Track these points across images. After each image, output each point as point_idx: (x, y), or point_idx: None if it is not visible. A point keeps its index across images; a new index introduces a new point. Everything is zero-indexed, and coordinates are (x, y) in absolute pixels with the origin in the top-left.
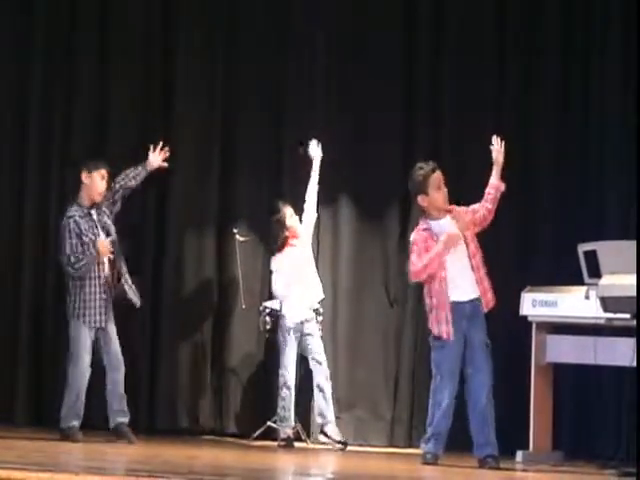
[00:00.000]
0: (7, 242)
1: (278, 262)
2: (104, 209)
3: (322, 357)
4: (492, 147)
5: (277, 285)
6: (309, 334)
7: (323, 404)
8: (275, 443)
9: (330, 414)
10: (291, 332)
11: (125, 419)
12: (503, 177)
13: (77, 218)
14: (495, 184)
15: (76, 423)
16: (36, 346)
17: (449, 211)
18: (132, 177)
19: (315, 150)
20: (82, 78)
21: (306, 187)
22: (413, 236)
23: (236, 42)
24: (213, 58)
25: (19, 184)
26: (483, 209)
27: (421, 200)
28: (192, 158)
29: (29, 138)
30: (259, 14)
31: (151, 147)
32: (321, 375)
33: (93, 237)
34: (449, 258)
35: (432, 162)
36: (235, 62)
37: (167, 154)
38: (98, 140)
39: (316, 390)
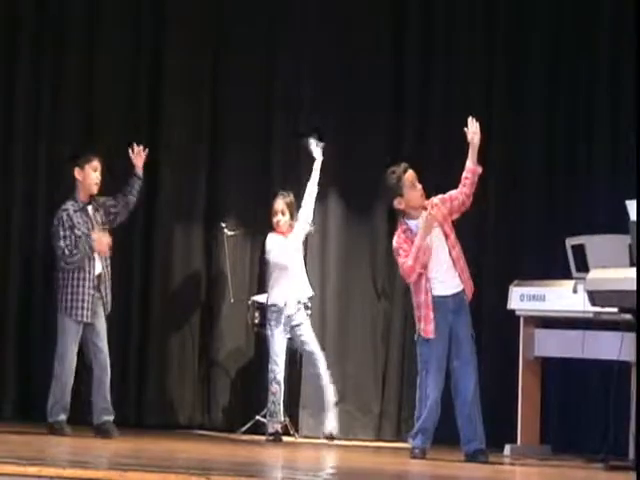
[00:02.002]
0: None
1: (270, 241)
2: (101, 211)
3: (316, 346)
4: (466, 129)
5: (277, 259)
6: (299, 324)
7: (325, 391)
8: (263, 437)
9: (332, 406)
10: (280, 325)
11: (110, 417)
12: (480, 160)
13: (70, 212)
14: (472, 168)
15: (64, 417)
16: (23, 340)
17: (424, 207)
18: (129, 192)
19: (315, 149)
20: (69, 76)
21: (296, 182)
22: (395, 241)
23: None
24: (202, 57)
25: (6, 183)
26: (462, 195)
27: (398, 203)
28: (180, 152)
29: (15, 137)
30: (250, 12)
31: (129, 150)
32: (319, 365)
33: (86, 231)
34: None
35: (403, 163)
36: (224, 60)
37: (145, 154)
38: (86, 134)
39: (316, 379)
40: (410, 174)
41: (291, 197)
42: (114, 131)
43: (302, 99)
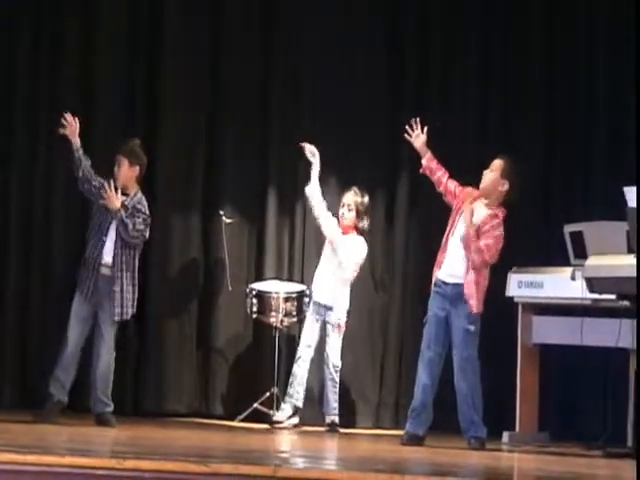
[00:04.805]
0: None
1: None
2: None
3: (336, 359)
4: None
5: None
6: (329, 324)
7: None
8: (261, 425)
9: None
10: (311, 310)
11: (105, 409)
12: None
13: None
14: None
15: (54, 391)
16: (22, 328)
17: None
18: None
19: (312, 155)
20: (67, 69)
21: (294, 170)
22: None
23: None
24: (200, 43)
25: (4, 170)
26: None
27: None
28: (178, 139)
29: (13, 136)
30: (248, 12)
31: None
32: (327, 376)
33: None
34: (453, 236)
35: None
36: (222, 48)
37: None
38: (84, 127)
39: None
40: None
41: (364, 198)
42: (112, 121)
43: (301, 86)
